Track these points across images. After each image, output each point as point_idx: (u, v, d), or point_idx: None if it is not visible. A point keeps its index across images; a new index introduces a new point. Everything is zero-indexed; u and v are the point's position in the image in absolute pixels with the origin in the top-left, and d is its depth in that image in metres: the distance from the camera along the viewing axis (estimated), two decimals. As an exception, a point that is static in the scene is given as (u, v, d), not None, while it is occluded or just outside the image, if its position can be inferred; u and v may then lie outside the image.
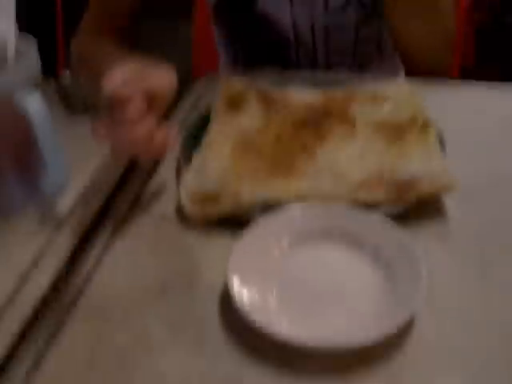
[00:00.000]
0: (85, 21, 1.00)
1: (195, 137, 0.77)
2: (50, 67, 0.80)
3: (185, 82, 0.83)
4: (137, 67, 0.64)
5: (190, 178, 0.70)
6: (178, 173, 0.74)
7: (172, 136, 0.67)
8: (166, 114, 0.80)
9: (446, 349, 0.54)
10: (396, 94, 0.80)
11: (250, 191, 0.67)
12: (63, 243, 0.65)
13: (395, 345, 0.53)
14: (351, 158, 0.72)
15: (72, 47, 1.00)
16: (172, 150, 0.71)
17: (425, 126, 0.73)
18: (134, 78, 0.62)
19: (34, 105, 0.60)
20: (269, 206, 0.66)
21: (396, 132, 0.74)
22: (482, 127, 0.80)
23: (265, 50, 1.06)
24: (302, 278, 0.60)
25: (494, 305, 0.58)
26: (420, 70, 0.92)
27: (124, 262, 0.64)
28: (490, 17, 2.46)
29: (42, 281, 0.61)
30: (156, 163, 0.77)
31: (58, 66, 1.51)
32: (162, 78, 0.65)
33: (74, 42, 1.00)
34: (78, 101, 0.59)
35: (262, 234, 0.62)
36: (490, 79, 0.91)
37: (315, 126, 0.77)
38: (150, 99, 0.62)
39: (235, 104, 0.81)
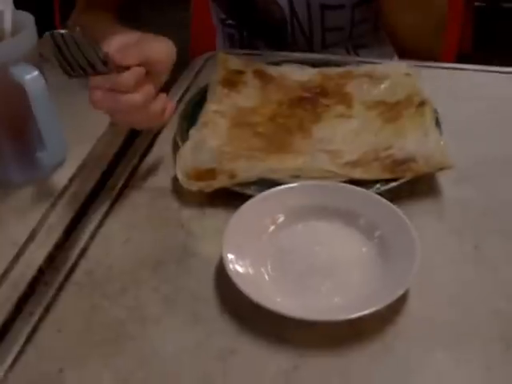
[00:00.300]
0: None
1: (192, 114, 0.77)
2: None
3: (182, 62, 0.83)
4: (135, 36, 0.64)
5: (186, 154, 0.70)
6: (175, 149, 0.74)
7: (169, 107, 0.67)
8: (164, 91, 0.81)
9: (438, 323, 0.54)
10: (393, 73, 0.81)
11: (246, 168, 0.67)
12: (59, 216, 0.65)
13: (388, 318, 0.54)
14: (347, 136, 0.73)
15: (69, 24, 1.00)
16: (169, 121, 0.70)
17: (421, 104, 0.74)
18: (133, 45, 0.62)
19: (32, 78, 0.60)
20: (264, 183, 0.66)
21: (392, 110, 0.74)
22: (478, 110, 0.80)
23: (261, 29, 1.06)
24: (296, 253, 0.60)
25: (486, 281, 0.58)
26: (409, 55, 0.92)
27: (120, 236, 0.64)
28: (487, 3, 2.46)
29: (38, 254, 0.61)
30: (153, 139, 0.78)
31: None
32: (161, 47, 0.65)
33: (71, 19, 1.00)
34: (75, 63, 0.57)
35: (257, 209, 0.62)
36: (488, 65, 0.91)
37: (311, 104, 0.78)
38: (148, 68, 0.62)
39: (232, 82, 0.81)
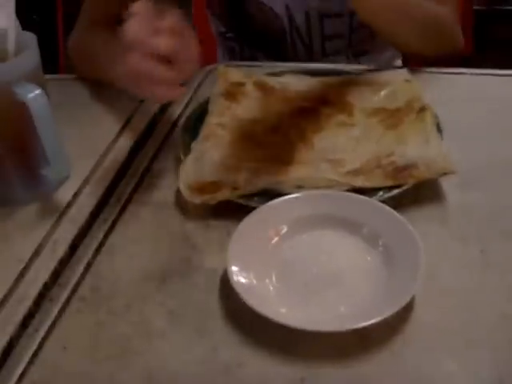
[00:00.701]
0: (81, 15, 0.99)
1: (194, 127, 0.77)
2: (51, 66, 0.80)
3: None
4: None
5: (189, 167, 0.70)
6: (178, 162, 0.74)
7: (179, 88, 0.64)
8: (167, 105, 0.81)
9: (446, 329, 0.54)
10: (393, 79, 0.81)
11: (248, 180, 0.67)
12: (64, 232, 0.65)
13: (395, 326, 0.54)
14: (349, 144, 0.73)
15: (69, 42, 1.00)
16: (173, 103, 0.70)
17: (422, 110, 0.74)
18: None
19: (35, 97, 0.61)
20: (267, 194, 0.66)
21: (393, 117, 0.74)
22: (479, 113, 0.80)
23: (261, 41, 1.06)
24: (300, 263, 0.60)
25: (493, 286, 0.58)
26: (414, 56, 0.91)
27: (124, 250, 0.64)
28: (488, 5, 2.46)
29: (43, 270, 0.61)
30: (155, 153, 0.78)
31: (60, 66, 1.52)
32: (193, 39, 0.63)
33: (71, 37, 1.00)
34: None
35: (261, 221, 0.62)
36: (487, 68, 0.90)
37: (313, 114, 0.78)
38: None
39: (233, 94, 0.81)
